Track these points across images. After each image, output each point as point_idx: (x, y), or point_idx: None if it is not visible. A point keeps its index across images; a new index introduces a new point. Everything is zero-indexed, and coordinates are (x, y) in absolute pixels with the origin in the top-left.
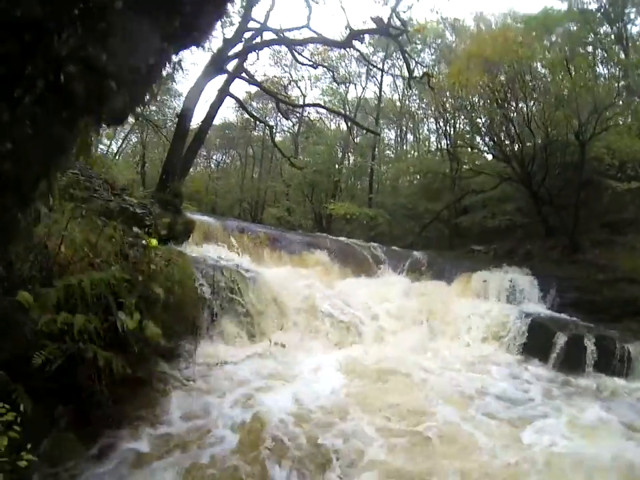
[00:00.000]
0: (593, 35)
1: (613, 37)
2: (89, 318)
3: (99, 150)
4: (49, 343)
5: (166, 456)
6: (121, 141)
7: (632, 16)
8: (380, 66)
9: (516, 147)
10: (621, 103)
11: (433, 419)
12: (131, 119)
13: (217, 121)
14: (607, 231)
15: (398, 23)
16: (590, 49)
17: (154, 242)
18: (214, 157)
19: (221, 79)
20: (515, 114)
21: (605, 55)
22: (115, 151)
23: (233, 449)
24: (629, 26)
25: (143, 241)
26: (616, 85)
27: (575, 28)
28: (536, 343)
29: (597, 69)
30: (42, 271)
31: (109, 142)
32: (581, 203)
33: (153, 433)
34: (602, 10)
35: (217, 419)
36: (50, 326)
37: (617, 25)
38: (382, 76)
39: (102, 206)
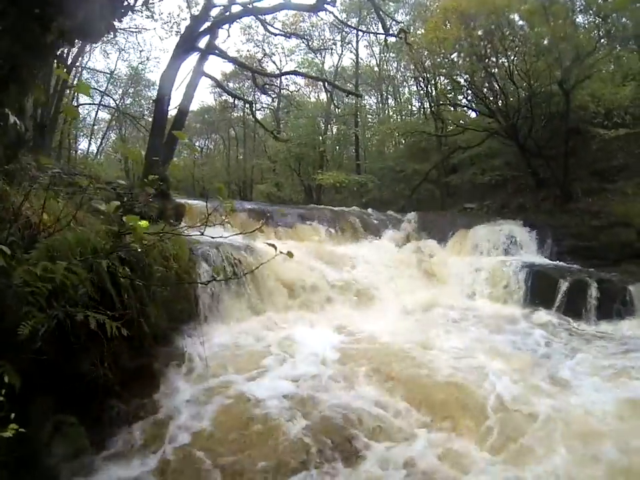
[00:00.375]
0: None
1: None
2: (73, 266)
3: (79, 152)
4: (36, 311)
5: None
6: (100, 139)
7: None
8: (355, 33)
9: (500, 101)
10: (602, 52)
11: None
12: (106, 114)
13: (195, 106)
14: (597, 179)
15: None
16: None
17: (144, 223)
18: (197, 144)
19: (194, 60)
20: (496, 68)
21: (584, 4)
22: (96, 151)
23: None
24: None
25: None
26: (596, 32)
27: None
28: (539, 292)
29: (577, 18)
30: (23, 238)
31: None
32: (569, 152)
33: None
34: None
35: None
36: (30, 284)
37: None
38: (357, 40)
39: (87, 200)
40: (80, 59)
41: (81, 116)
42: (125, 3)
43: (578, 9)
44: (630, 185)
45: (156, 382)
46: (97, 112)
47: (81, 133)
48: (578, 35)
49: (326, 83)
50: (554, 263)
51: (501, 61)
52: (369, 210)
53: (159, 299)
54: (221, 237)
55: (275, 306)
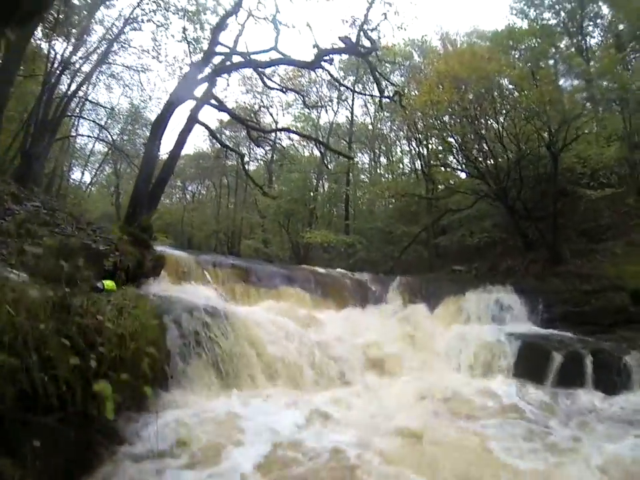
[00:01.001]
0: (554, 49)
1: (573, 49)
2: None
3: (71, 182)
4: None
5: None
6: (94, 171)
7: (590, 29)
8: (350, 91)
9: (489, 163)
10: (587, 114)
11: None
12: (102, 147)
13: (190, 150)
14: (585, 240)
15: (367, 43)
16: (552, 62)
17: (109, 284)
18: (189, 188)
19: (190, 105)
20: (486, 130)
21: (568, 68)
22: (89, 182)
23: None
24: (587, 38)
25: (98, 284)
26: (580, 96)
27: (537, 43)
28: (530, 364)
29: (561, 82)
30: None
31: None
32: (557, 213)
33: None
34: (561, 25)
35: None
36: None
37: (577, 38)
38: (353, 99)
39: (61, 242)
40: (84, 88)
41: (77, 145)
42: None
43: (560, 74)
44: (619, 244)
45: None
46: (93, 144)
47: (76, 162)
48: (563, 98)
49: (318, 143)
50: (546, 331)
51: (490, 123)
52: (356, 274)
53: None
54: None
55: (245, 381)
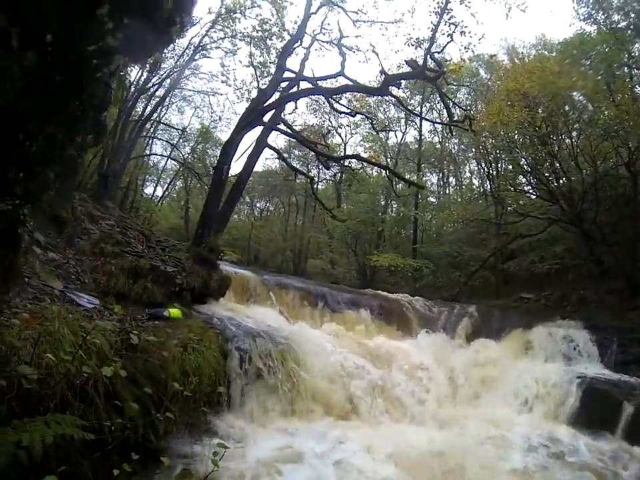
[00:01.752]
0: (627, 55)
1: None
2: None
3: (144, 195)
4: None
5: None
6: (166, 185)
7: None
8: (418, 109)
9: (562, 184)
10: None
11: None
12: (174, 165)
13: (259, 168)
14: None
15: (433, 65)
16: (626, 70)
17: (175, 312)
18: (257, 205)
19: (259, 129)
20: (559, 149)
21: None
22: (160, 196)
23: None
24: None
25: (165, 312)
26: None
27: (608, 49)
28: (595, 413)
29: (638, 90)
30: None
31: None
32: (637, 238)
33: None
34: (632, 26)
35: None
36: None
37: None
38: (421, 120)
39: (131, 262)
40: (158, 111)
41: (151, 162)
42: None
43: (636, 80)
44: None
45: None
46: (166, 162)
47: (149, 178)
48: None
49: (388, 171)
50: (618, 376)
51: (563, 140)
52: (422, 300)
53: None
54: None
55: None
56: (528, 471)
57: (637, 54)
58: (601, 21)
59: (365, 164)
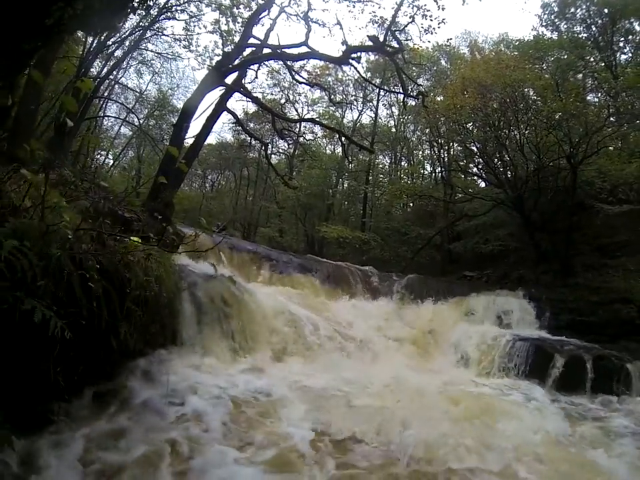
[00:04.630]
0: (583, 63)
1: (602, 64)
2: (23, 248)
3: (95, 161)
4: None
5: None
6: (117, 154)
7: (621, 44)
8: (376, 92)
9: (509, 172)
10: (610, 129)
11: None
12: (127, 131)
13: (213, 140)
14: (599, 255)
15: (395, 45)
16: (580, 76)
17: (135, 239)
18: (209, 177)
19: (218, 94)
20: (508, 139)
21: (595, 83)
22: (111, 164)
23: None
24: (617, 54)
25: (125, 238)
26: (606, 110)
27: (566, 56)
28: (532, 366)
29: (589, 97)
30: None
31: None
32: (573, 227)
33: None
34: (592, 39)
35: None
36: None
37: (607, 53)
38: (378, 100)
39: (90, 206)
40: (115, 72)
41: (104, 127)
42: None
43: (589, 88)
44: (632, 261)
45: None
46: (120, 127)
47: (101, 144)
48: (588, 112)
49: (342, 136)
50: (551, 336)
51: (513, 133)
52: (369, 268)
53: (132, 317)
54: None
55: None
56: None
57: (592, 63)
58: (563, 29)
59: (318, 139)
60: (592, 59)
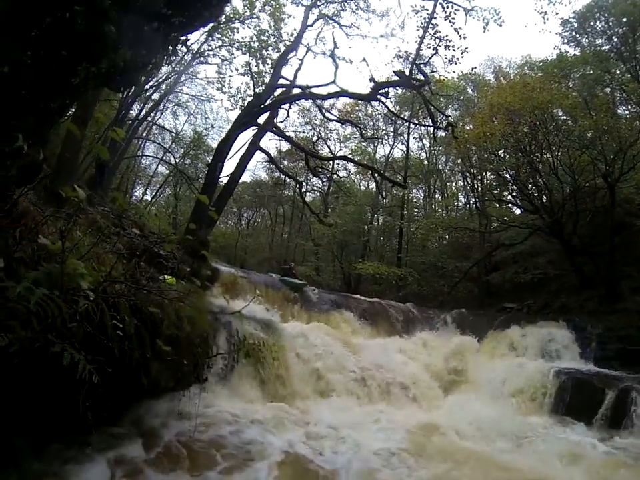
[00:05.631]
0: (609, 76)
1: (629, 75)
2: (55, 296)
3: (133, 198)
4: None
5: None
6: (155, 190)
7: None
8: (406, 125)
9: (544, 197)
10: None
11: None
12: (164, 169)
13: (248, 178)
14: None
15: (421, 77)
16: (608, 90)
17: (171, 279)
18: (245, 215)
19: (251, 133)
20: (541, 163)
21: (624, 95)
22: (149, 201)
23: None
24: None
25: (160, 277)
26: (638, 122)
27: (591, 71)
28: (578, 402)
29: (618, 110)
30: (34, 258)
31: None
32: (615, 248)
33: None
34: (615, 50)
35: None
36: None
37: (631, 63)
38: (409, 133)
39: (127, 242)
40: (152, 114)
41: (142, 165)
42: (152, 61)
43: (618, 101)
44: None
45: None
46: (157, 166)
47: (139, 182)
48: (620, 126)
49: (374, 172)
50: (598, 369)
51: (545, 156)
52: (409, 304)
53: (163, 356)
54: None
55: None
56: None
57: (618, 75)
58: (585, 44)
59: (352, 176)
60: (617, 71)
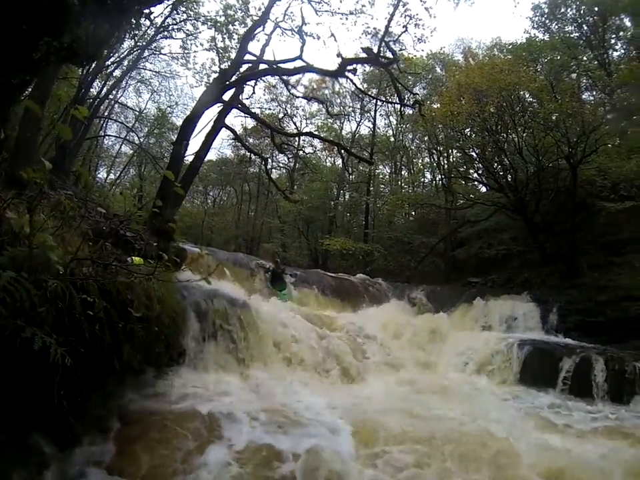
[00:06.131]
0: (576, 62)
1: (596, 62)
2: (22, 278)
3: (97, 180)
4: None
5: None
6: (119, 172)
7: (612, 41)
8: (374, 103)
9: (509, 176)
10: (607, 126)
11: None
12: (128, 149)
13: (213, 156)
14: (604, 253)
15: (389, 55)
16: (574, 76)
17: (138, 259)
18: (210, 194)
19: (217, 110)
20: (506, 143)
21: (590, 82)
22: (113, 183)
23: None
24: (610, 51)
25: (128, 259)
26: (602, 108)
27: (559, 57)
28: (539, 370)
29: (583, 95)
30: None
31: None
32: (576, 226)
33: None
34: (584, 38)
35: None
36: None
37: (599, 51)
38: (375, 110)
39: (91, 225)
40: (114, 92)
41: (104, 146)
42: (116, 35)
43: (584, 87)
44: (638, 257)
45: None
46: (120, 146)
47: (102, 163)
48: (584, 111)
49: (341, 148)
50: (559, 339)
51: (511, 136)
52: (373, 279)
53: (135, 337)
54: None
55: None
56: None
57: (586, 62)
58: (554, 30)
59: (318, 152)
60: (585, 58)
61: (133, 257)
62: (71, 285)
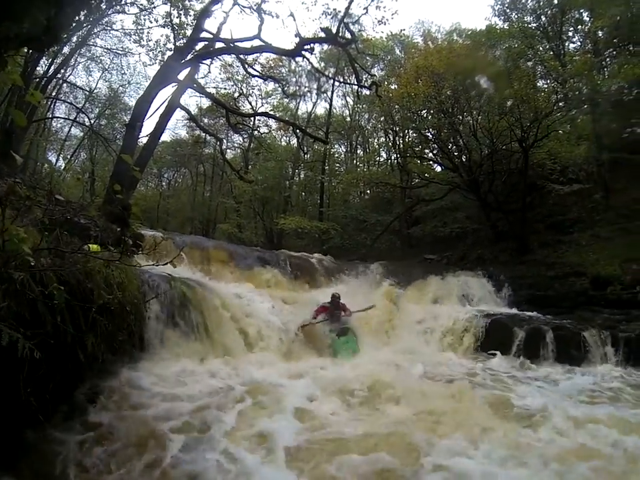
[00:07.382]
0: (532, 51)
1: (551, 52)
2: None
3: (46, 166)
4: None
5: None
6: (69, 156)
7: (570, 34)
8: (330, 82)
9: (463, 157)
10: (559, 113)
11: None
12: (80, 132)
13: (168, 137)
14: (553, 232)
15: (348, 36)
16: (530, 64)
17: (95, 247)
18: (165, 176)
19: (171, 90)
20: (462, 125)
21: (545, 70)
22: (63, 167)
23: None
24: (566, 43)
25: (85, 247)
26: (554, 96)
27: (517, 45)
28: (495, 341)
29: (537, 83)
30: None
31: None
32: (527, 206)
33: None
34: (541, 29)
35: None
36: None
37: (556, 42)
38: (332, 91)
39: (44, 215)
40: (62, 71)
41: (53, 129)
42: (75, 19)
43: (539, 74)
44: (584, 236)
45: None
46: (70, 128)
47: (51, 147)
48: (538, 98)
49: (296, 128)
50: (511, 311)
51: (466, 118)
52: (329, 258)
53: (98, 327)
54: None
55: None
56: None
57: (542, 52)
58: (514, 19)
59: (273, 132)
60: (541, 48)
61: (90, 245)
62: (29, 277)
